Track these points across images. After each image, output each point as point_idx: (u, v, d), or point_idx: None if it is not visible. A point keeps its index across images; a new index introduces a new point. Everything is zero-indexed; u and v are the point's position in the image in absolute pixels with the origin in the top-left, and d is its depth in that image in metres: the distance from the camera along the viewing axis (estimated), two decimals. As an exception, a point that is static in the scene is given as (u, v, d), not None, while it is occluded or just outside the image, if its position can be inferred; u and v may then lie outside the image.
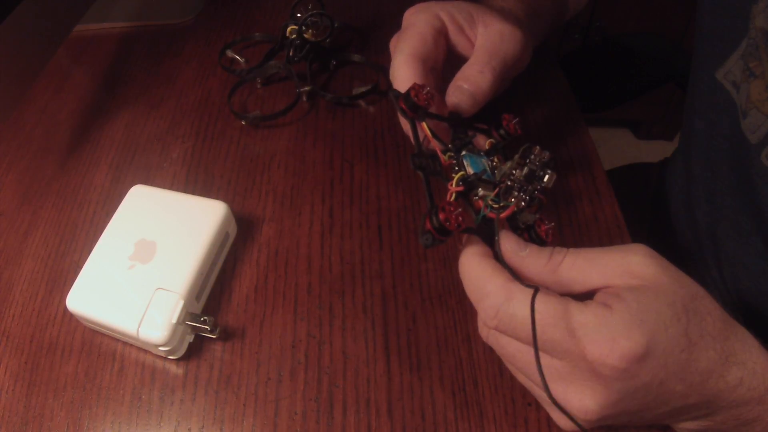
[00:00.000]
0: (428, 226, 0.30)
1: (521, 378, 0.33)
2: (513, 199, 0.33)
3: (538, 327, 0.27)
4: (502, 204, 0.33)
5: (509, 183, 0.33)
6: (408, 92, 0.36)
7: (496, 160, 0.38)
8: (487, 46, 0.41)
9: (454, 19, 0.42)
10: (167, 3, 0.67)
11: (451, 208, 0.30)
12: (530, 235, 0.34)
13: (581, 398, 0.28)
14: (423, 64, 0.40)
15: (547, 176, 0.34)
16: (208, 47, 0.63)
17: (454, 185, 0.33)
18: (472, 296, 0.31)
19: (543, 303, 0.28)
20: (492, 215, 0.33)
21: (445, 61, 0.43)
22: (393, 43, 0.44)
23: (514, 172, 0.34)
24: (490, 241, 0.32)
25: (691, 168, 0.54)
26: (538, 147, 0.34)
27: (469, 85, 0.39)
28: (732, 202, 0.48)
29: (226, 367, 0.38)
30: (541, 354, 0.28)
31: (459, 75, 0.40)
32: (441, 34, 0.42)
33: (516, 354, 0.30)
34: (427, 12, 0.42)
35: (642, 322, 0.27)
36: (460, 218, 0.30)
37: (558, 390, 0.28)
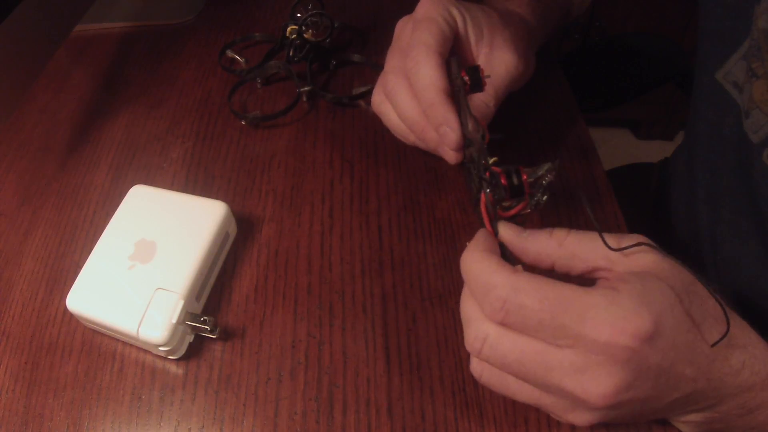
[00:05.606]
0: (504, 182, 0.31)
1: (526, 393, 0.31)
2: (534, 200, 0.33)
3: (547, 314, 0.27)
4: (514, 203, 0.33)
5: (544, 183, 0.34)
6: (477, 67, 0.38)
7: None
8: (492, 79, 0.42)
9: (466, 27, 0.43)
10: (167, 3, 0.67)
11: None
12: None
13: (598, 383, 0.27)
14: (441, 58, 0.40)
15: (545, 197, 0.34)
16: (208, 47, 0.63)
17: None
18: (475, 290, 0.30)
19: (551, 288, 0.28)
20: (503, 213, 0.33)
21: None
22: (401, 28, 0.44)
23: (545, 179, 0.34)
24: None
25: (694, 169, 0.54)
26: (555, 171, 0.34)
27: (477, 115, 0.40)
28: (732, 204, 0.48)
29: (226, 367, 0.38)
30: (551, 349, 0.28)
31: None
32: (453, 35, 0.42)
33: (523, 355, 0.29)
34: (445, 9, 0.42)
35: (649, 302, 0.27)
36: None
37: (573, 383, 0.28)
